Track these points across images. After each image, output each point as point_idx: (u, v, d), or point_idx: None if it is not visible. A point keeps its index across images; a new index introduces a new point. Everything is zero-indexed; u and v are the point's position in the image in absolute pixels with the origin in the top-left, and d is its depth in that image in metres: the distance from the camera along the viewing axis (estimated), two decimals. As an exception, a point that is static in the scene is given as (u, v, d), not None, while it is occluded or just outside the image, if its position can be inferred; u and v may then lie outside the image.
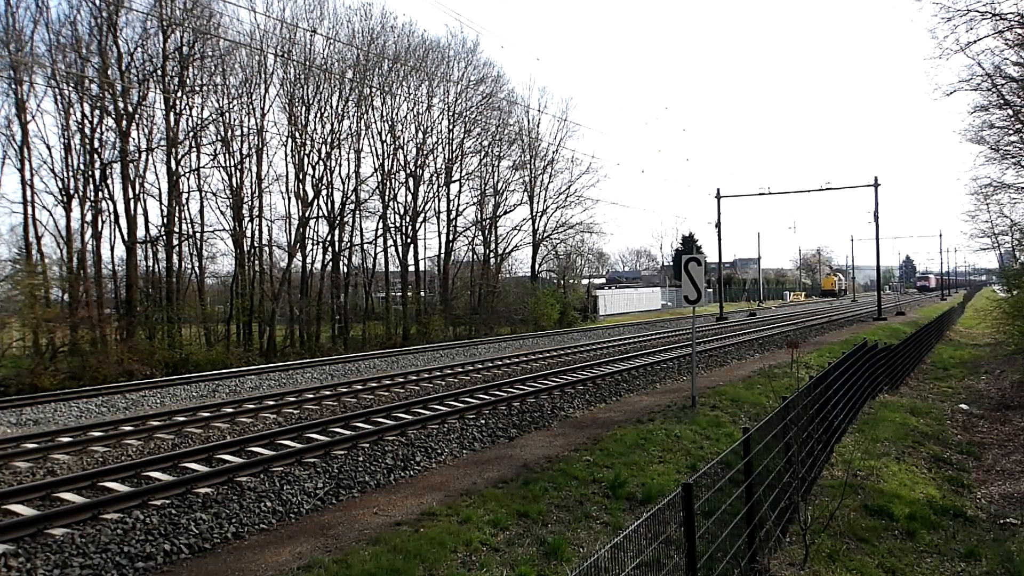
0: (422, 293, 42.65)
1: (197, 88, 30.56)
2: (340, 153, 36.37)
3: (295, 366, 24.07)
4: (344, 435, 11.56)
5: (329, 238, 36.29)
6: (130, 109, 28.11)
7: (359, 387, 17.91)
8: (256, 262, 33.35)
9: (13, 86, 25.50)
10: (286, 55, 33.20)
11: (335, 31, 35.95)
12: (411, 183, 40.08)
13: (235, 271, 32.56)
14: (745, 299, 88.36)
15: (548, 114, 49.70)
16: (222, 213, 32.32)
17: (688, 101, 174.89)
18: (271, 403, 15.70)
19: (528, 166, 47.46)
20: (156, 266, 30.07)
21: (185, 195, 30.56)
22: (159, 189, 30.39)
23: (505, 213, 46.80)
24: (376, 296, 42.18)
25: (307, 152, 34.90)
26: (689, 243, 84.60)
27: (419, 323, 38.40)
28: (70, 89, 27.10)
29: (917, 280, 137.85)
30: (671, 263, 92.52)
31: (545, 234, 48.82)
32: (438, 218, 42.47)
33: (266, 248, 34.49)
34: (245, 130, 32.28)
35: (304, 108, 34.61)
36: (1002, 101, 22.11)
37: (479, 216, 44.88)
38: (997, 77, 20.87)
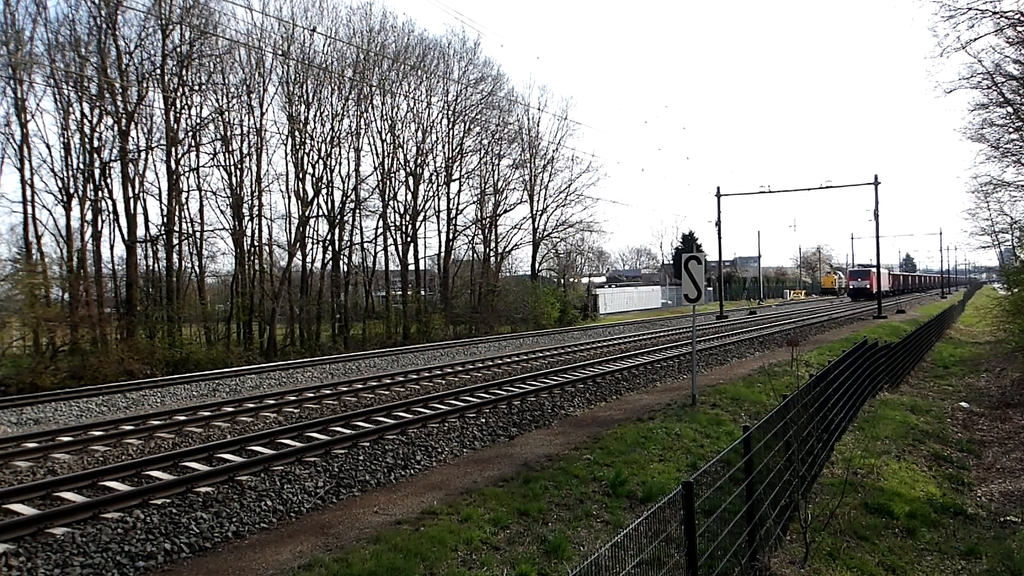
0: (422, 292, 42.66)
1: (196, 87, 30.56)
2: (340, 152, 36.40)
3: (295, 365, 24.07)
4: (344, 434, 11.56)
5: (329, 237, 36.30)
6: (129, 108, 28.10)
7: (359, 386, 17.91)
8: (256, 261, 33.33)
9: (12, 85, 25.50)
10: (285, 54, 33.18)
11: (334, 30, 35.98)
12: (411, 182, 40.09)
13: (235, 270, 32.55)
14: (745, 297, 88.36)
15: (548, 113, 49.70)
16: (222, 212, 32.36)
17: (688, 99, 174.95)
18: (271, 402, 15.71)
19: (528, 165, 47.48)
20: (156, 265, 30.09)
21: (185, 194, 30.58)
22: (159, 188, 30.49)
23: (505, 212, 46.84)
24: (376, 295, 42.19)
25: (307, 151, 34.88)
26: (689, 241, 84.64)
27: (419, 322, 38.41)
28: (69, 88, 27.09)
29: (850, 276, 79.22)
30: (671, 262, 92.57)
31: (545, 233, 48.85)
32: (438, 217, 42.52)
33: (266, 247, 34.49)
34: (244, 129, 32.30)
35: (304, 107, 34.61)
36: (1002, 99, 22.10)
37: (479, 215, 44.89)
38: (997, 75, 20.85)
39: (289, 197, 35.08)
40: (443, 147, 41.83)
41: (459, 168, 42.98)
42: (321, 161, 35.32)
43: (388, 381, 18.57)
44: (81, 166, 27.48)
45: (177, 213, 30.19)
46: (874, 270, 72.38)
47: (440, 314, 39.83)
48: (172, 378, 21.48)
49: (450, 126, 41.89)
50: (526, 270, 49.76)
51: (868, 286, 70.14)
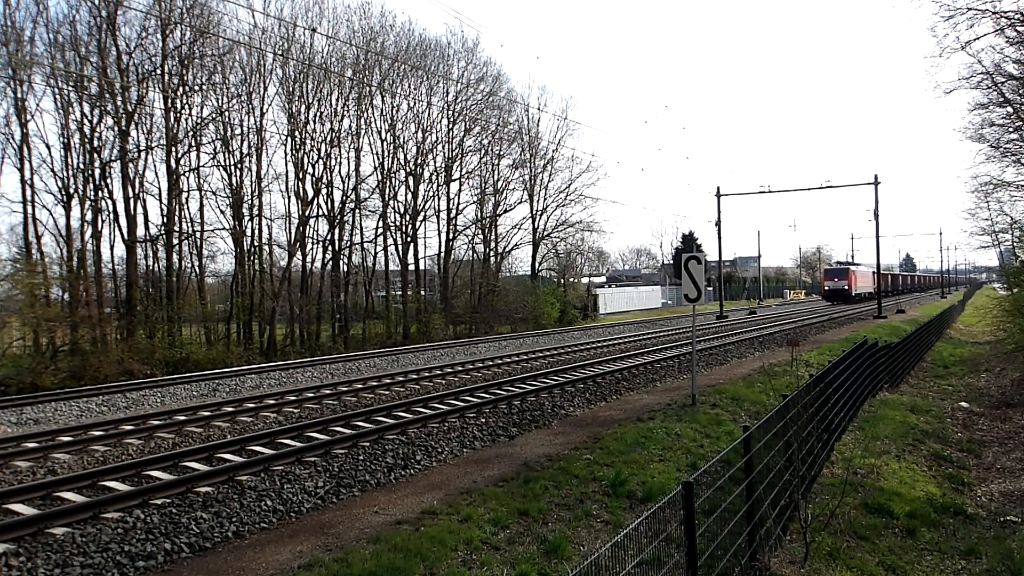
0: (422, 292, 42.67)
1: (196, 87, 30.58)
2: (340, 152, 36.42)
3: (295, 365, 24.07)
4: (344, 434, 11.56)
5: (329, 237, 36.32)
6: (129, 108, 28.10)
7: (359, 386, 17.91)
8: (256, 261, 33.35)
9: (12, 85, 25.50)
10: (285, 54, 33.19)
11: (334, 30, 35.99)
12: (411, 182, 40.10)
13: (235, 270, 32.56)
14: (745, 297, 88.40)
15: (548, 112, 49.66)
16: (222, 212, 32.39)
17: (688, 99, 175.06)
18: (271, 402, 15.70)
19: (528, 164, 47.49)
20: (156, 265, 30.10)
21: (185, 194, 30.59)
22: (159, 188, 30.53)
23: (505, 212, 46.86)
24: (376, 295, 42.21)
25: (307, 151, 34.91)
26: (689, 241, 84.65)
27: (419, 322, 38.41)
28: (69, 88, 27.09)
29: (825, 275, 65.85)
30: (671, 261, 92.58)
31: (545, 232, 48.86)
32: (438, 217, 42.53)
33: (266, 247, 34.51)
34: (244, 129, 32.30)
35: (304, 107, 34.62)
36: (1002, 99, 22.11)
37: (479, 215, 44.90)
38: (997, 75, 20.86)
39: (289, 197, 35.16)
40: (443, 147, 41.88)
41: (459, 168, 43.03)
42: (321, 161, 35.35)
43: (388, 381, 18.57)
44: (81, 166, 27.51)
45: (177, 213, 30.21)
46: (853, 268, 63.31)
47: (440, 314, 39.83)
48: (172, 378, 21.48)
49: (450, 126, 41.94)
50: (526, 270, 49.79)
51: (846, 287, 60.61)
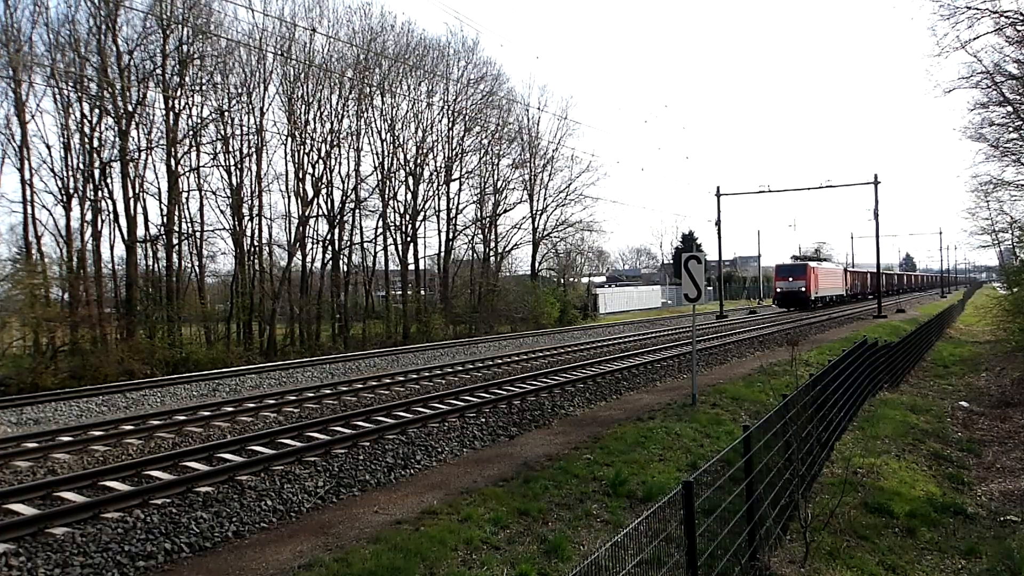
0: (422, 292, 42.68)
1: (197, 87, 30.57)
2: (340, 152, 36.40)
3: (295, 365, 24.07)
4: (344, 434, 11.57)
5: (329, 237, 36.31)
6: (129, 108, 28.09)
7: (359, 386, 17.91)
8: (256, 261, 33.34)
9: (12, 86, 25.49)
10: (285, 54, 33.18)
11: (335, 30, 36.00)
12: (411, 181, 40.10)
13: (235, 270, 32.56)
14: (745, 297, 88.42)
15: (548, 112, 49.64)
16: (222, 212, 32.37)
17: (688, 99, 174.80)
18: (271, 402, 15.71)
19: (528, 164, 47.49)
20: (156, 265, 30.08)
21: (185, 194, 30.58)
22: (159, 188, 30.47)
23: (505, 211, 46.86)
24: (376, 295, 42.22)
25: (307, 151, 34.92)
26: (689, 241, 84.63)
27: (419, 322, 38.41)
28: (69, 89, 27.07)
29: (777, 273, 52.41)
30: (671, 261, 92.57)
31: (545, 232, 48.87)
32: (438, 216, 42.51)
33: (266, 247, 34.50)
34: (245, 129, 32.31)
35: (304, 107, 34.61)
36: (1002, 98, 22.14)
37: (479, 214, 44.91)
38: (997, 74, 20.91)
39: (289, 197, 35.16)
40: (443, 147, 41.89)
41: (459, 168, 43.03)
42: (321, 161, 35.34)
43: (388, 381, 18.57)
44: (81, 166, 27.48)
45: (177, 213, 30.20)
46: (814, 265, 51.93)
47: (440, 314, 39.83)
48: (172, 378, 21.48)
49: (450, 126, 41.95)
50: (526, 270, 49.78)
51: (803, 289, 48.15)
